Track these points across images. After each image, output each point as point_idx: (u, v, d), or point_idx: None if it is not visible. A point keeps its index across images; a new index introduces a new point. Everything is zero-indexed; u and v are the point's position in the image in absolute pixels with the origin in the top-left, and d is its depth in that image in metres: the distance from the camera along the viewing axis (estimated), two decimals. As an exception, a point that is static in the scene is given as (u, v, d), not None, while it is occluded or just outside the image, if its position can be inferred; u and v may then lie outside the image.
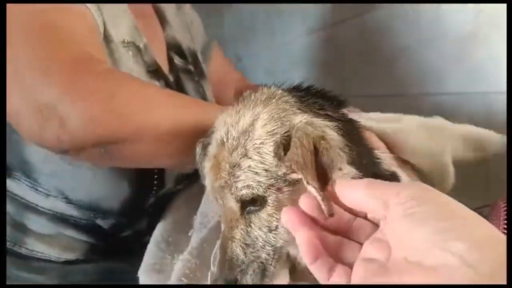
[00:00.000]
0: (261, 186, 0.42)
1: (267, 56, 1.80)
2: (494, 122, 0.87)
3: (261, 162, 0.42)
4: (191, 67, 0.91)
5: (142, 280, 0.61)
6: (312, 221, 0.36)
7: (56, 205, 0.74)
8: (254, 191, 0.43)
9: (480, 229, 0.28)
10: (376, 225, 0.35)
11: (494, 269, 0.25)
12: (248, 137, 0.43)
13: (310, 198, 0.36)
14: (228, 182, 0.44)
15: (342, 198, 0.35)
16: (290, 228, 0.36)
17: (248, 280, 0.44)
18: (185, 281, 0.53)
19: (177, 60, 0.87)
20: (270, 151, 0.42)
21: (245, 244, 0.44)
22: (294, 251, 0.52)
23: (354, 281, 0.32)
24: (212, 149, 0.47)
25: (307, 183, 0.37)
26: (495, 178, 0.89)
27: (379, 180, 0.34)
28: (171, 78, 0.82)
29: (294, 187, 0.43)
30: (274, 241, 0.45)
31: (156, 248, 0.66)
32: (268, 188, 0.43)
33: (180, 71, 0.87)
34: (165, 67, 0.82)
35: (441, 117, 1.00)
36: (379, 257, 0.32)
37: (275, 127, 0.43)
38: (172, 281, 0.55)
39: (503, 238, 0.27)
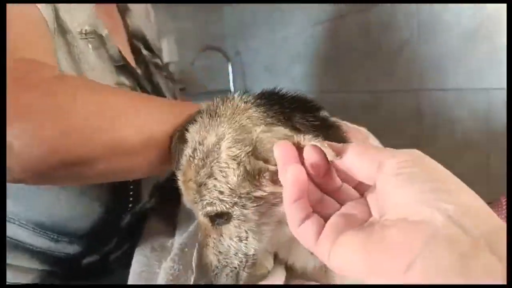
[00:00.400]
0: (225, 204, 0.44)
1: (266, 51, 1.80)
2: (494, 119, 0.88)
3: (226, 182, 0.43)
4: (159, 61, 0.82)
5: None
6: (303, 165, 0.34)
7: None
8: (218, 208, 0.44)
9: (472, 198, 0.27)
10: (362, 196, 0.34)
11: (488, 238, 0.24)
12: (214, 159, 0.44)
13: (313, 153, 0.34)
14: (196, 199, 0.46)
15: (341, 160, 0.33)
16: (279, 162, 0.35)
17: (222, 282, 0.47)
18: None
19: (145, 52, 0.78)
20: (236, 174, 0.43)
21: (219, 251, 0.46)
22: (284, 254, 0.53)
23: (328, 234, 0.30)
24: (183, 163, 0.48)
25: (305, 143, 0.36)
26: (495, 176, 0.89)
27: (368, 145, 0.32)
28: (140, 72, 0.73)
29: (258, 203, 0.44)
30: (246, 249, 0.46)
31: (142, 256, 0.66)
32: (232, 206, 0.44)
33: (149, 64, 0.78)
34: (130, 60, 0.71)
35: (441, 113, 1.00)
36: (362, 212, 0.31)
37: (239, 151, 0.43)
38: None
39: (494, 213, 0.26)
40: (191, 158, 0.46)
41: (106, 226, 0.66)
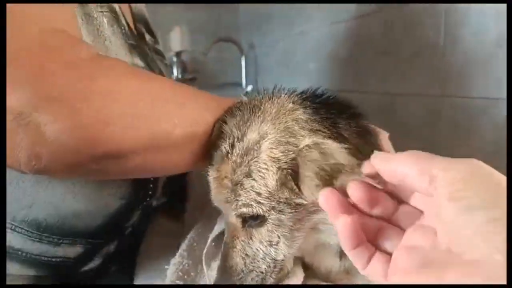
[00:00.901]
0: (261, 207, 0.42)
1: (282, 46, 1.77)
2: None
3: (264, 185, 0.42)
4: (160, 48, 0.77)
5: None
6: (352, 206, 0.34)
7: None
8: (254, 210, 0.42)
9: None
10: (421, 212, 0.33)
11: None
12: (253, 158, 0.42)
13: (357, 189, 0.34)
14: (229, 199, 0.44)
15: (382, 173, 0.32)
16: (327, 211, 0.34)
17: None
18: (180, 283, 0.53)
19: (147, 36, 0.73)
20: (274, 178, 0.41)
21: (246, 254, 0.45)
22: (309, 258, 0.52)
23: (394, 271, 0.30)
24: (216, 158, 0.46)
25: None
26: None
27: (423, 152, 0.31)
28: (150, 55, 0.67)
29: (297, 210, 0.43)
30: (275, 254, 0.45)
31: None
32: (269, 210, 0.42)
33: (152, 51, 0.72)
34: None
35: (462, 121, 0.98)
36: (423, 244, 0.30)
37: (281, 154, 0.41)
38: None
39: None
40: (228, 154, 0.44)
41: (117, 222, 0.62)
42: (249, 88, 1.90)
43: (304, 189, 0.40)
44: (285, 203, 0.42)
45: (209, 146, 0.48)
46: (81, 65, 0.41)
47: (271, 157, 0.42)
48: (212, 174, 0.46)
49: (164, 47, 0.92)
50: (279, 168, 0.41)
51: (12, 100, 0.37)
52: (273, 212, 0.42)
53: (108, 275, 0.69)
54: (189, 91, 0.50)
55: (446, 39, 0.97)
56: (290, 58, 1.71)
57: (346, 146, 0.41)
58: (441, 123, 1.02)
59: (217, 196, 0.46)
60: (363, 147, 0.44)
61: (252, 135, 0.43)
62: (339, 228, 0.33)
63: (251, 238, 0.44)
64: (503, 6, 0.83)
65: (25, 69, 0.38)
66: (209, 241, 0.53)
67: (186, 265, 0.55)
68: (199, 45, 1.90)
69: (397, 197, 0.35)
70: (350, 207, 0.34)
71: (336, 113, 0.45)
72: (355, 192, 0.34)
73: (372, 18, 1.22)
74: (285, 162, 0.41)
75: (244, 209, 0.43)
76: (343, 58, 1.38)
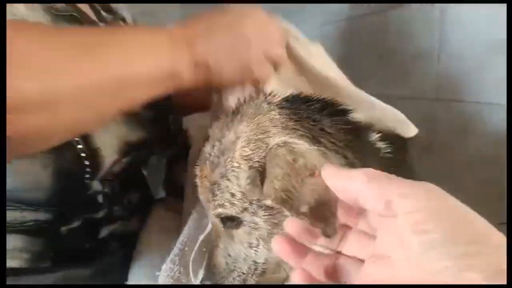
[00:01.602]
0: (235, 208, 0.42)
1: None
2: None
3: (237, 185, 0.42)
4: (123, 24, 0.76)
5: None
6: (303, 247, 0.34)
7: None
8: (228, 212, 0.43)
9: (500, 255, 0.24)
10: (373, 237, 0.31)
11: None
12: (228, 157, 0.43)
13: (296, 222, 0.35)
14: (209, 198, 0.45)
15: (334, 189, 0.31)
16: (283, 258, 0.35)
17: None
18: None
19: (105, 14, 0.71)
20: (245, 176, 0.41)
21: (228, 254, 0.45)
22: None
23: None
24: (201, 159, 0.47)
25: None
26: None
27: (379, 172, 0.29)
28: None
29: (271, 213, 0.42)
30: (256, 256, 0.45)
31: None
32: (242, 212, 0.42)
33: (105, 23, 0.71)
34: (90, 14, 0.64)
35: (457, 125, 0.98)
36: (383, 277, 0.28)
37: (251, 152, 0.42)
38: None
39: None
40: (208, 155, 0.45)
41: (69, 195, 0.62)
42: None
43: (265, 188, 0.39)
44: (257, 204, 0.42)
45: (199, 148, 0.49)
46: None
47: (243, 155, 0.42)
48: (197, 174, 0.47)
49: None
50: (250, 167, 0.42)
51: None
52: (247, 214, 0.42)
53: (110, 252, 0.69)
54: (94, 35, 0.49)
55: (442, 44, 0.97)
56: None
57: (317, 147, 0.41)
58: (437, 125, 1.02)
59: (200, 195, 0.47)
60: (353, 143, 0.44)
61: (229, 136, 0.44)
62: (292, 279, 0.33)
63: (232, 239, 0.45)
64: (496, 11, 0.83)
65: None
66: (197, 245, 0.53)
67: (178, 272, 0.55)
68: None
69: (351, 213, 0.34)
70: (303, 250, 0.34)
71: (317, 111, 0.45)
72: (291, 227, 0.34)
73: (367, 20, 1.22)
74: (257, 161, 0.41)
75: (219, 210, 0.43)
76: (340, 59, 1.38)
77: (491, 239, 0.25)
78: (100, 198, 0.67)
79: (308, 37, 1.50)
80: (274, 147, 0.40)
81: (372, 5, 1.17)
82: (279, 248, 0.34)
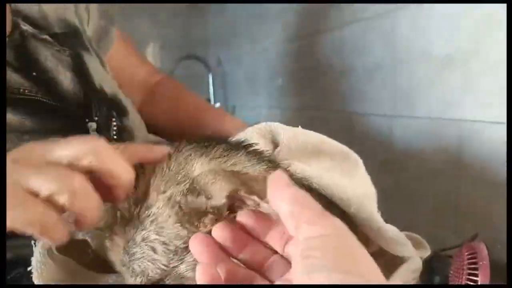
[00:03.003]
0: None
1: (248, 62, 1.75)
2: (465, 151, 0.83)
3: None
4: (48, 37, 0.70)
5: None
6: (223, 252, 0.33)
7: None
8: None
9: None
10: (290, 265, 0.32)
11: None
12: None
13: (224, 229, 0.34)
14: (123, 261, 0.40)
15: (271, 198, 0.31)
16: (196, 257, 0.34)
17: None
18: None
19: (26, 27, 0.67)
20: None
21: None
22: None
23: None
24: None
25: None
26: (464, 208, 0.84)
27: (302, 193, 0.30)
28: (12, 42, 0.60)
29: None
30: None
31: None
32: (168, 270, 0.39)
33: (30, 40, 0.66)
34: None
35: (413, 141, 0.96)
36: None
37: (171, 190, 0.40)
38: None
39: None
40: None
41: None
42: (217, 105, 1.87)
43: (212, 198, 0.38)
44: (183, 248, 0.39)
45: None
46: None
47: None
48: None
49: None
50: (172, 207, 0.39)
51: None
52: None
53: None
54: None
55: (394, 59, 0.96)
56: (255, 74, 1.69)
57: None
58: (394, 142, 1.00)
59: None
60: None
61: None
62: (197, 277, 0.32)
63: None
64: (451, 25, 0.82)
65: None
66: None
67: None
68: (166, 63, 1.87)
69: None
70: (220, 254, 0.33)
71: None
72: (218, 232, 0.34)
73: (322, 37, 1.20)
74: (178, 196, 0.39)
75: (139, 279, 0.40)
76: (303, 76, 1.37)
77: (367, 271, 0.27)
78: None
79: (273, 54, 1.49)
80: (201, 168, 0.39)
81: (330, 20, 1.16)
82: (191, 245, 0.34)
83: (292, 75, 1.43)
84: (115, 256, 0.41)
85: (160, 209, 0.38)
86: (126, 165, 0.36)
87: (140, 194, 0.39)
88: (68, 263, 0.47)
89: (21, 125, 0.50)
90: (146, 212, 0.39)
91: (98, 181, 0.34)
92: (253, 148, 0.45)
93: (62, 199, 0.32)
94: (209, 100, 1.92)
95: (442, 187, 0.88)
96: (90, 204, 0.33)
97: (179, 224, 0.38)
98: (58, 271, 0.46)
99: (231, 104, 1.90)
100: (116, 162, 0.35)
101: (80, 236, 0.44)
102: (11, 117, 0.49)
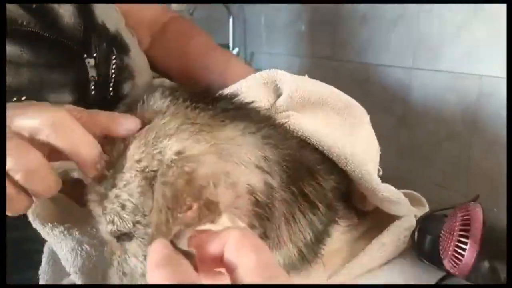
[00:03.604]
0: (124, 224, 0.37)
1: (268, 8, 1.68)
2: (485, 106, 0.79)
3: (129, 195, 0.37)
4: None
5: None
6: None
7: None
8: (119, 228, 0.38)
9: None
10: None
11: None
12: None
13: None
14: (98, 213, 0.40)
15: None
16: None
17: None
18: None
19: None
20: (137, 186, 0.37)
21: (123, 272, 0.39)
22: None
23: None
24: None
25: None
26: (475, 168, 0.82)
27: (249, 236, 0.28)
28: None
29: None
30: None
31: None
32: (134, 226, 0.37)
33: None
34: None
35: (432, 95, 0.92)
36: None
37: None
38: None
39: None
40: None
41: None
42: (235, 51, 1.82)
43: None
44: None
45: None
46: None
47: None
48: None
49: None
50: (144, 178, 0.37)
51: None
52: (139, 227, 0.37)
53: None
54: None
55: (419, 12, 0.90)
56: (277, 21, 1.63)
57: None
58: (412, 96, 0.96)
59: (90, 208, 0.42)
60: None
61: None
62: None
63: (125, 252, 0.39)
64: None
65: None
66: None
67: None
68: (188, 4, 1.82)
69: None
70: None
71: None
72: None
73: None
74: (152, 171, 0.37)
75: (110, 227, 0.38)
76: (323, 24, 1.31)
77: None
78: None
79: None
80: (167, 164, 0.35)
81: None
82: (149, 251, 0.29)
83: (312, 23, 1.37)
84: (92, 206, 0.40)
85: (132, 177, 0.37)
86: (89, 138, 0.34)
87: (114, 158, 0.37)
88: (61, 199, 0.48)
89: (19, 58, 0.50)
90: (120, 175, 0.37)
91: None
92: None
93: (17, 176, 0.31)
94: (227, 46, 1.87)
95: (455, 148, 0.85)
96: (45, 183, 0.33)
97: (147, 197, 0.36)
98: (51, 206, 0.47)
99: (250, 51, 1.84)
100: (76, 138, 0.33)
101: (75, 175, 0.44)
102: (9, 48, 0.48)
